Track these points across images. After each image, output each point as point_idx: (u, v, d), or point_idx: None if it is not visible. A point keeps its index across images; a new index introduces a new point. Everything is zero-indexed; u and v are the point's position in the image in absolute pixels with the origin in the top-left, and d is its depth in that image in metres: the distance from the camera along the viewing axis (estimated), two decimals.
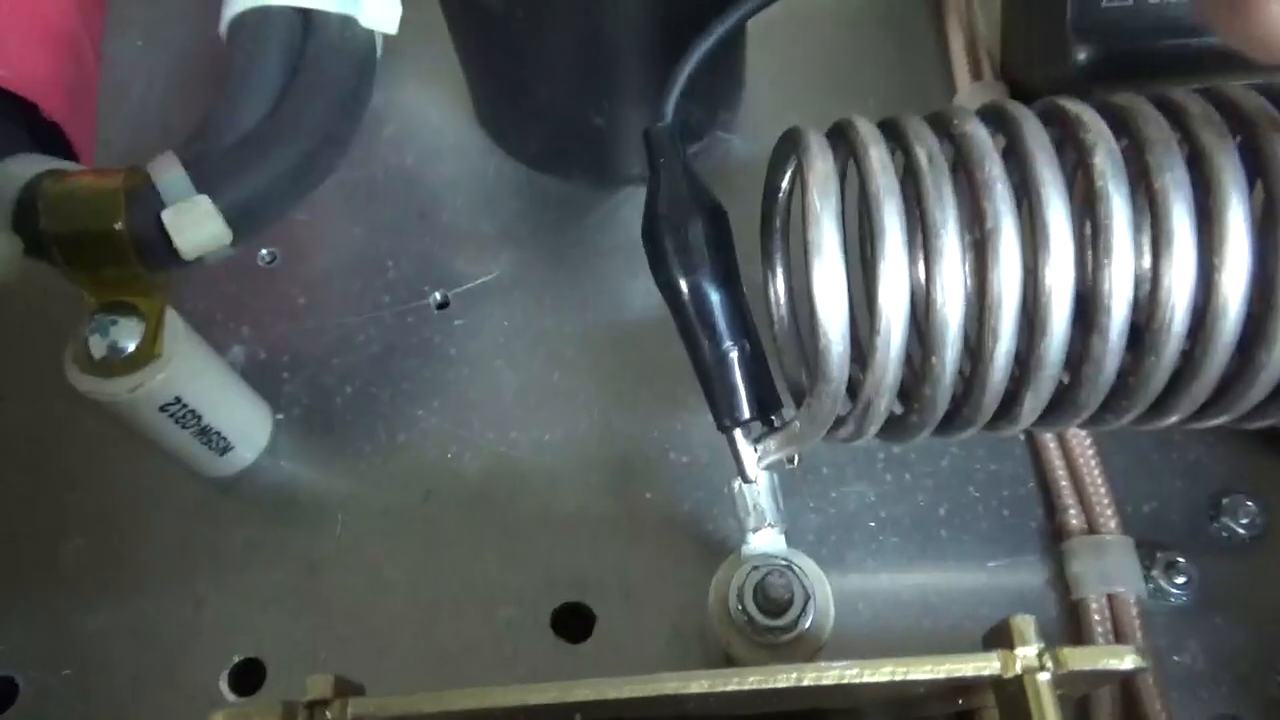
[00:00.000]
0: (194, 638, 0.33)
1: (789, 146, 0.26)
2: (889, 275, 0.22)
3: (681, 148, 0.28)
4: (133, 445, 0.34)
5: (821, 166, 0.23)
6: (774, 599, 0.25)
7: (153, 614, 0.33)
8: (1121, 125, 0.24)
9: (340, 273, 0.40)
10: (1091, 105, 0.24)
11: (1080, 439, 0.33)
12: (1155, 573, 0.32)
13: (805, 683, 0.16)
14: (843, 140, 0.25)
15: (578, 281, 0.39)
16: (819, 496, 0.34)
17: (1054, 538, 0.33)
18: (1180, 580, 0.32)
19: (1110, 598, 0.31)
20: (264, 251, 0.40)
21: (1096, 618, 0.30)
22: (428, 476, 0.35)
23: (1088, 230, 0.23)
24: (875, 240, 0.22)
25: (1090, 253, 0.23)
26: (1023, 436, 0.35)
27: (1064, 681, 0.16)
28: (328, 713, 0.16)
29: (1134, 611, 0.30)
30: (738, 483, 0.27)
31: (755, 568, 0.26)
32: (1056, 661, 0.16)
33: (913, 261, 0.23)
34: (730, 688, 0.16)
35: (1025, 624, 0.16)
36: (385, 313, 0.39)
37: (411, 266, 0.39)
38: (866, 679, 0.16)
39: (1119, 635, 0.30)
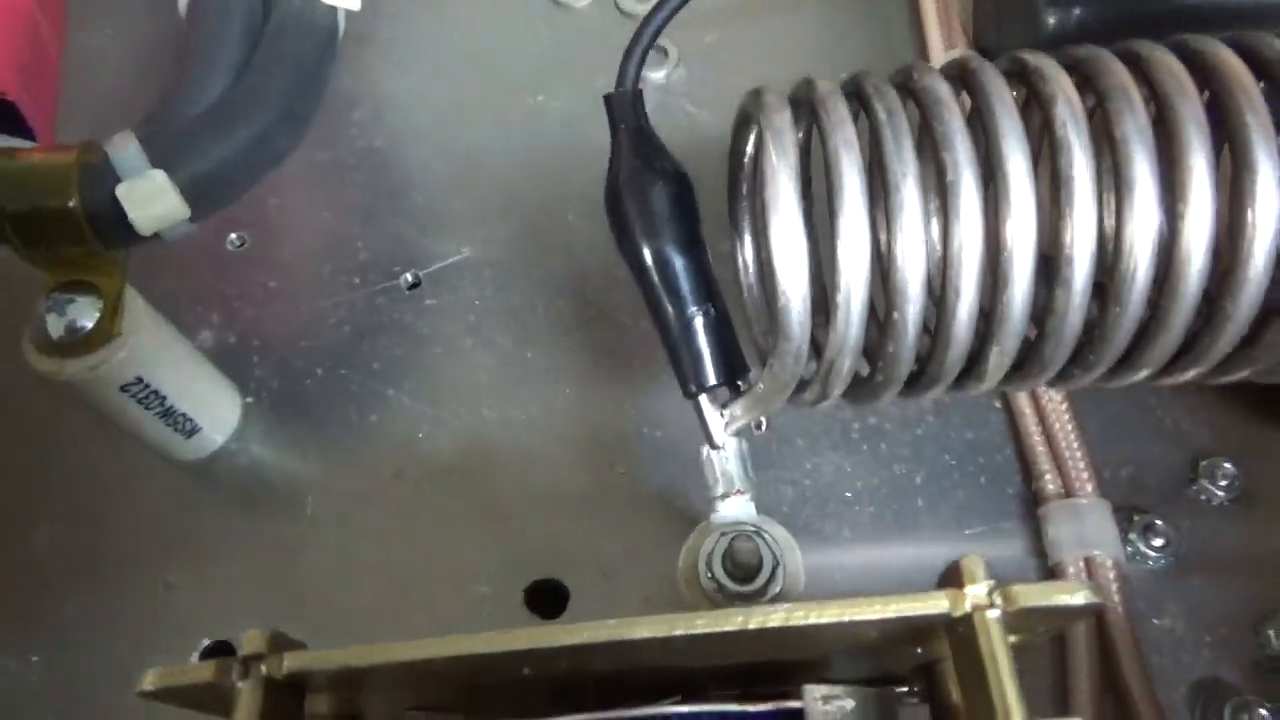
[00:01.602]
0: (165, 622, 0.33)
1: (751, 108, 0.25)
2: (848, 230, 0.22)
3: (643, 113, 0.28)
4: (102, 430, 0.34)
5: (779, 123, 0.23)
6: (742, 564, 0.25)
7: (123, 599, 0.33)
8: (1085, 77, 0.23)
9: (310, 255, 0.40)
10: (1055, 58, 0.24)
11: (1056, 403, 0.33)
12: (1133, 535, 0.31)
13: (752, 626, 0.15)
14: (805, 100, 0.25)
15: (549, 259, 0.39)
16: (793, 468, 0.34)
17: (1031, 503, 0.33)
18: (1158, 542, 0.31)
19: (1088, 561, 0.30)
20: (233, 235, 0.39)
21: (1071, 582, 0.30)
22: (400, 457, 0.35)
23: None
24: (834, 196, 0.22)
25: (1054, 206, 0.23)
26: (999, 403, 0.35)
27: (1016, 621, 0.16)
28: (263, 666, 0.16)
29: (1112, 574, 0.30)
30: (706, 449, 0.27)
31: (724, 534, 0.26)
32: (1006, 598, 0.15)
33: (874, 218, 0.23)
34: (677, 632, 0.15)
35: (974, 563, 0.16)
36: (356, 294, 0.38)
37: (382, 248, 0.39)
38: (814, 620, 0.15)
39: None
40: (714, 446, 0.27)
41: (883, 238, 0.23)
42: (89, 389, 0.29)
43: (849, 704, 0.16)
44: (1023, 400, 0.34)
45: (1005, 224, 0.22)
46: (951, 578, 0.16)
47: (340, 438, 0.36)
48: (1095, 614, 0.16)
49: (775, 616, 0.15)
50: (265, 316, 0.38)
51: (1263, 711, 0.28)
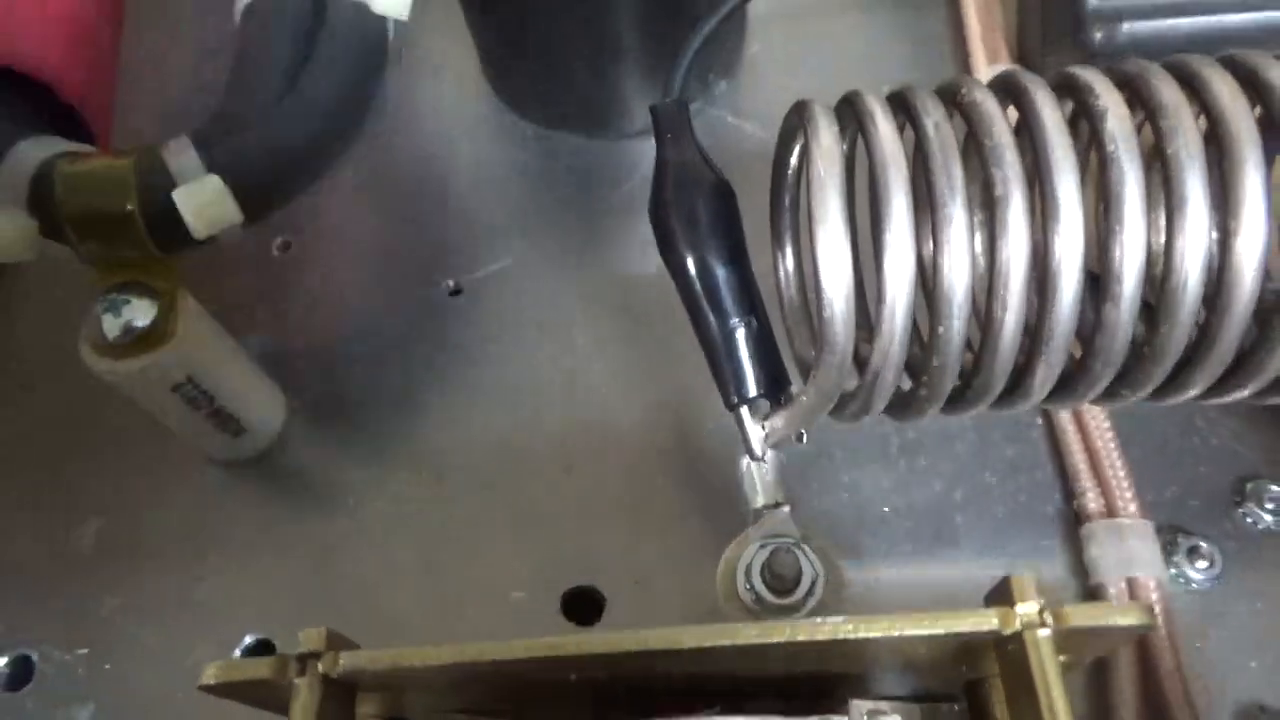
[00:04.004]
0: (207, 619, 0.33)
1: (796, 120, 0.25)
2: (894, 243, 0.22)
3: (689, 123, 0.28)
4: (148, 429, 0.35)
5: (826, 136, 0.23)
6: (781, 576, 0.25)
7: (167, 595, 0.34)
8: (1135, 92, 0.23)
9: (354, 260, 0.40)
10: (1105, 73, 0.24)
11: (1099, 421, 0.33)
12: (1177, 558, 0.31)
13: (800, 638, 0.15)
14: (850, 112, 0.25)
15: (591, 267, 0.39)
16: (832, 482, 0.34)
17: (1072, 522, 0.32)
18: (1203, 565, 0.31)
19: (1130, 582, 0.30)
20: (279, 240, 0.40)
21: (1115, 603, 0.30)
22: (439, 462, 0.35)
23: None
24: (880, 209, 0.22)
25: (1103, 222, 0.22)
26: (1040, 420, 0.34)
27: (1067, 641, 0.16)
28: (319, 664, 0.16)
29: (1154, 596, 0.30)
30: (746, 461, 0.27)
31: (763, 546, 0.26)
32: (1058, 618, 0.15)
33: (920, 232, 0.23)
34: (723, 642, 0.15)
35: (1026, 581, 0.16)
36: (398, 300, 0.39)
37: (425, 254, 0.40)
38: (862, 634, 0.15)
39: None
40: (754, 458, 0.27)
41: (927, 251, 0.23)
42: (141, 388, 0.29)
43: None
44: (1065, 417, 0.33)
45: (1054, 239, 0.22)
46: (1001, 595, 0.16)
47: (381, 441, 0.36)
48: (1146, 631, 0.15)
49: (823, 629, 0.15)
50: (309, 320, 0.39)
51: None
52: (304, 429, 0.36)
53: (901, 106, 0.24)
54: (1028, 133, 0.23)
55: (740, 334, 0.26)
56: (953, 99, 0.24)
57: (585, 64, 0.38)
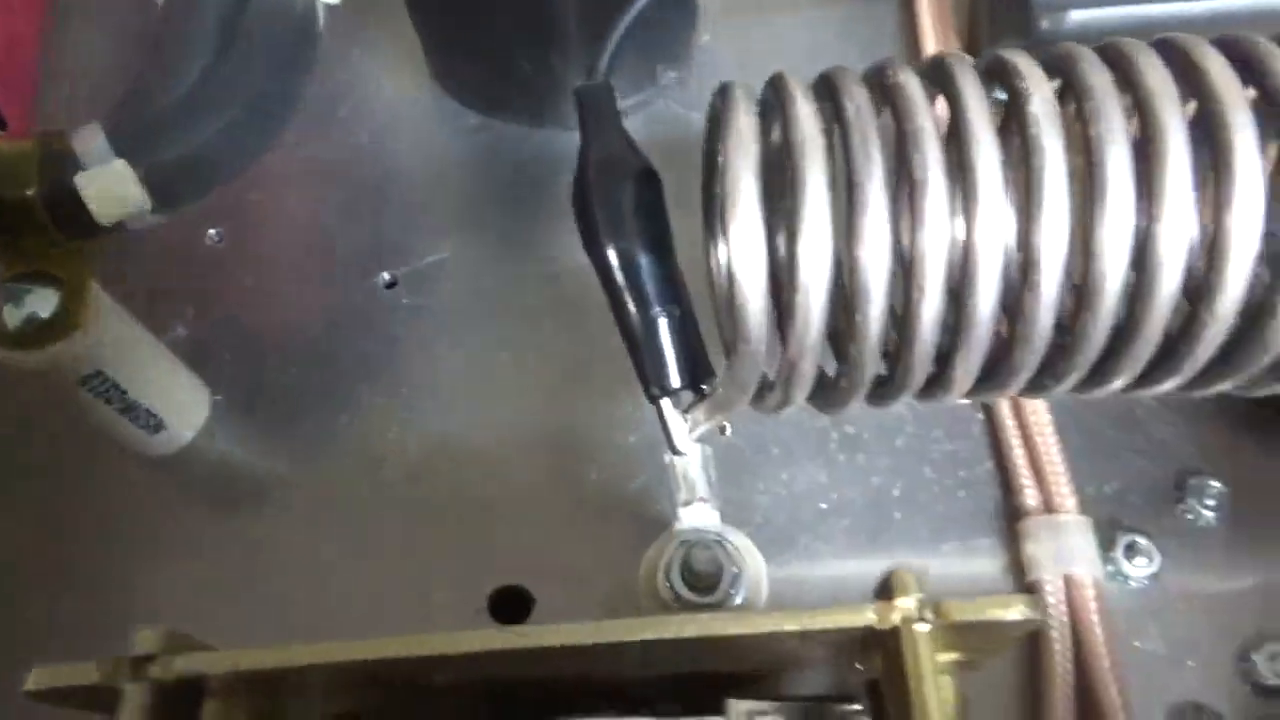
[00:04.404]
0: (128, 622, 0.32)
1: (718, 104, 0.25)
2: (808, 229, 0.21)
3: (614, 108, 0.27)
4: (66, 424, 0.34)
5: (741, 119, 0.22)
6: (700, 573, 0.24)
7: (87, 598, 0.33)
8: (1064, 76, 0.23)
9: (289, 252, 0.39)
10: (1035, 56, 0.23)
11: (1039, 416, 0.32)
12: (1115, 554, 0.30)
13: (668, 635, 0.15)
14: (774, 97, 0.24)
15: (531, 260, 0.38)
16: (769, 478, 0.33)
17: (1011, 518, 0.32)
18: (1141, 561, 0.30)
19: (1066, 579, 0.30)
20: (212, 231, 0.39)
21: (1051, 600, 0.29)
22: (369, 458, 0.34)
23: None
24: (795, 193, 0.21)
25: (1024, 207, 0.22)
26: (980, 415, 0.34)
27: (951, 637, 0.15)
28: (153, 668, 0.15)
29: (1091, 593, 0.29)
30: (669, 455, 0.26)
31: (683, 542, 0.25)
32: (938, 613, 0.15)
33: (838, 216, 0.22)
34: (585, 640, 0.15)
35: (906, 575, 0.15)
36: (332, 292, 0.38)
37: (361, 246, 0.39)
38: (732, 631, 0.15)
39: (1074, 617, 0.29)
40: (676, 452, 0.26)
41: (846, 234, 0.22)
42: (45, 381, 0.28)
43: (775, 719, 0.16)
44: (1004, 413, 0.33)
45: (973, 225, 0.21)
46: (885, 590, 0.16)
47: (310, 436, 0.35)
48: (1034, 632, 0.15)
49: (690, 627, 0.15)
50: (240, 313, 0.38)
51: None
52: (231, 424, 0.35)
53: (827, 90, 0.24)
54: (951, 115, 0.22)
55: (662, 324, 0.25)
56: (880, 83, 0.23)
57: (527, 52, 0.37)
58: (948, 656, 0.16)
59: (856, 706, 0.20)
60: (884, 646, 0.15)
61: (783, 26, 0.43)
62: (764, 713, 0.15)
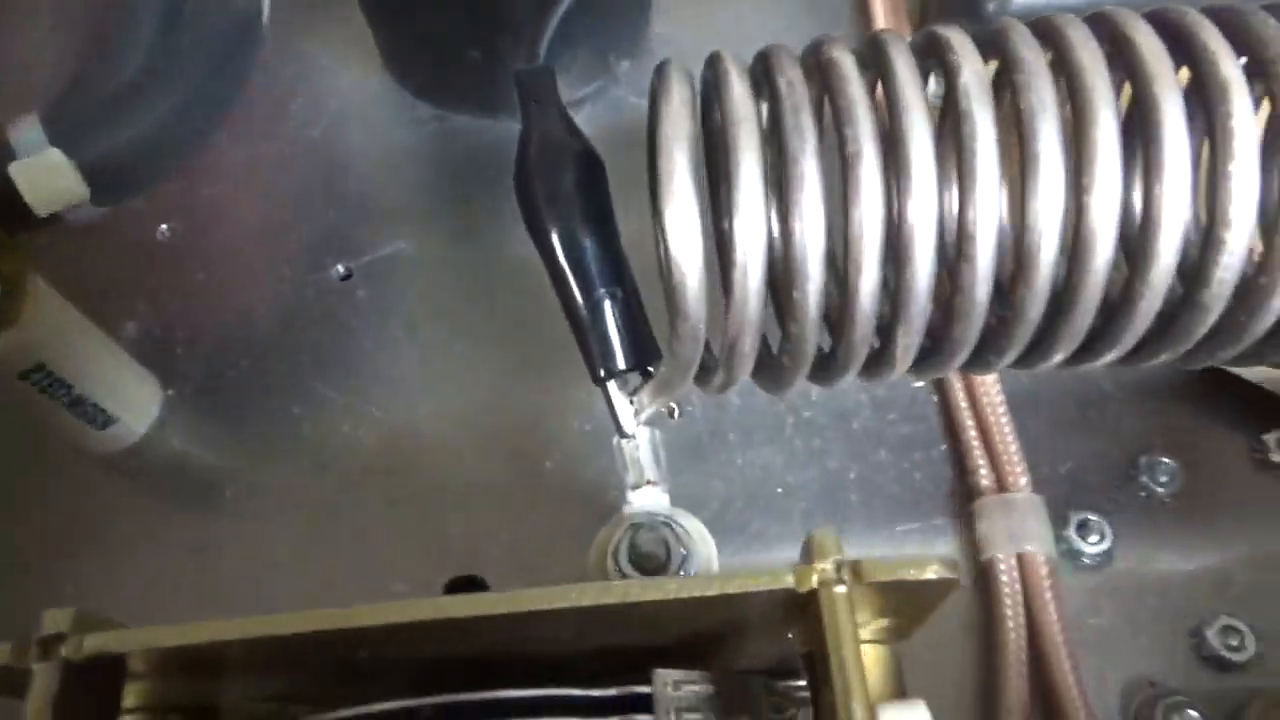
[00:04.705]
0: None
1: (656, 83, 0.25)
2: (744, 204, 0.21)
3: (555, 90, 0.27)
4: (14, 421, 0.33)
5: (676, 98, 0.22)
6: (647, 555, 0.24)
7: (35, 597, 0.32)
8: (996, 50, 0.23)
9: (242, 246, 0.39)
10: (969, 32, 0.23)
11: (992, 397, 0.32)
12: (1068, 532, 0.31)
13: (585, 603, 0.14)
14: (711, 76, 0.24)
15: (485, 251, 0.38)
16: (725, 464, 0.33)
17: (965, 499, 0.32)
18: (1093, 539, 0.30)
19: (1020, 557, 0.30)
20: (164, 226, 0.39)
21: (1004, 578, 0.29)
22: (323, 450, 0.34)
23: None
24: (729, 170, 0.21)
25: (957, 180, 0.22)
26: (935, 398, 0.34)
27: (873, 600, 0.15)
28: (62, 648, 0.15)
29: (1044, 571, 0.29)
30: (617, 438, 0.26)
31: (632, 526, 0.25)
32: (855, 574, 0.15)
33: (773, 194, 0.22)
34: (496, 610, 0.15)
35: (825, 536, 0.15)
36: (286, 286, 0.37)
37: (315, 239, 0.38)
38: (651, 597, 0.14)
39: (1028, 595, 0.29)
40: (623, 434, 0.26)
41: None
42: None
43: (703, 689, 0.15)
44: (958, 394, 0.33)
45: (906, 198, 0.21)
46: (806, 554, 0.15)
47: (263, 431, 0.35)
48: (953, 590, 0.15)
49: (607, 594, 0.15)
50: (192, 307, 0.37)
51: (1192, 713, 0.27)
52: (184, 418, 0.35)
53: (763, 69, 0.24)
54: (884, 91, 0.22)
55: (606, 306, 0.25)
56: (815, 61, 0.23)
57: (475, 40, 0.37)
58: (876, 624, 0.16)
59: (800, 683, 0.20)
60: (806, 611, 0.15)
61: (736, 14, 0.43)
62: (692, 682, 0.15)
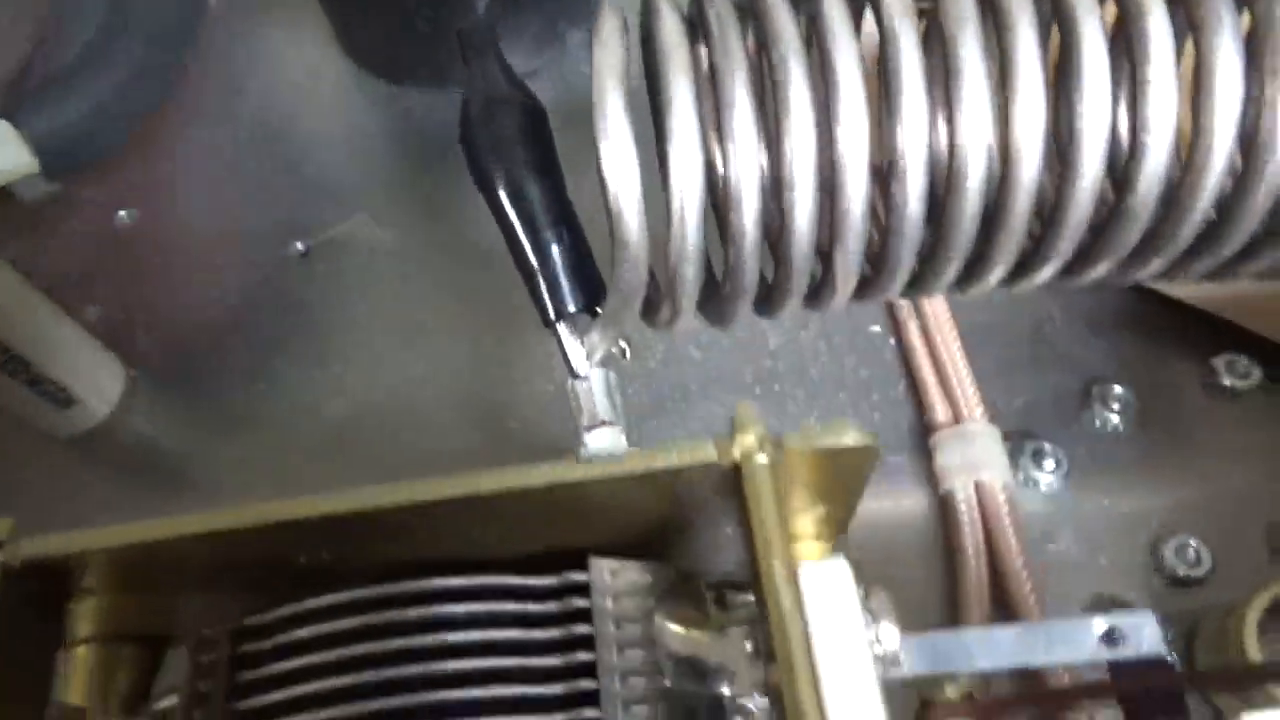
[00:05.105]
0: None
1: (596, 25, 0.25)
2: (678, 135, 0.22)
3: (495, 45, 0.27)
4: None
5: (606, 32, 0.23)
6: None
7: None
8: None
9: (201, 229, 0.39)
10: None
11: (945, 333, 0.33)
12: (1024, 461, 0.31)
13: (516, 485, 0.15)
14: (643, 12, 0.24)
15: (442, 222, 0.38)
16: (685, 414, 0.33)
17: (923, 435, 0.32)
18: (1050, 466, 0.31)
19: (977, 485, 0.30)
20: (122, 213, 0.39)
21: (963, 506, 0.30)
22: (285, 422, 0.34)
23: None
24: (661, 99, 0.22)
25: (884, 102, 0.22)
26: (891, 340, 0.34)
27: (797, 477, 0.15)
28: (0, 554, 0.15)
29: (1001, 498, 0.30)
30: (570, 380, 0.26)
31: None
32: (775, 445, 0.15)
33: (707, 122, 0.22)
34: (432, 496, 0.15)
35: (746, 410, 0.16)
36: (246, 265, 0.38)
37: (273, 218, 0.39)
38: (580, 476, 0.15)
39: (986, 520, 0.30)
40: (575, 376, 0.26)
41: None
42: None
43: (640, 579, 0.16)
44: (913, 334, 0.33)
45: (837, 121, 0.21)
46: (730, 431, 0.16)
47: (228, 408, 0.35)
48: (875, 459, 0.15)
49: (536, 475, 0.15)
50: (154, 290, 0.37)
51: None
52: (147, 400, 0.35)
53: (696, 7, 0.24)
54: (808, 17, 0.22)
55: (554, 249, 0.26)
56: None
57: (423, 10, 0.37)
58: (812, 514, 0.16)
59: (749, 596, 0.20)
60: (733, 490, 0.15)
61: None
62: (629, 570, 0.16)
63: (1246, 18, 0.21)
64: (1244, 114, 0.20)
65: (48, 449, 0.34)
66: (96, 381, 0.33)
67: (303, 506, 0.15)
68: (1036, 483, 0.31)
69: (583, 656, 0.15)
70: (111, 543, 0.15)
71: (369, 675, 0.14)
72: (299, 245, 0.38)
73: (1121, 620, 0.18)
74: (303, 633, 0.15)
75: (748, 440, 0.15)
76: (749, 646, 0.16)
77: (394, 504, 0.15)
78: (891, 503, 0.32)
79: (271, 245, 0.38)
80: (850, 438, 0.15)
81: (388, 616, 0.15)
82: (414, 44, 0.39)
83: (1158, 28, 0.21)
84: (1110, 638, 0.18)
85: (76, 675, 0.16)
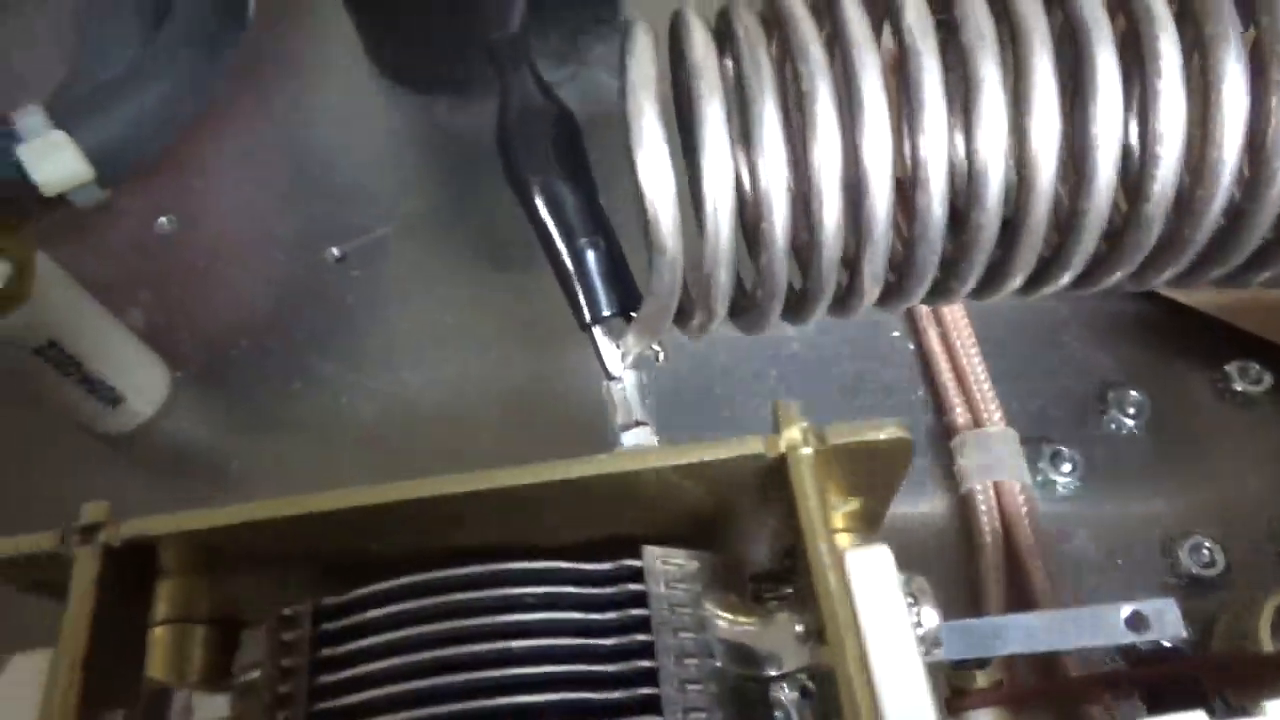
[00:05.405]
0: None
1: (623, 40, 0.26)
2: (710, 144, 0.23)
3: (529, 55, 0.29)
4: (24, 403, 0.34)
5: (639, 46, 0.24)
6: None
7: None
8: None
9: (239, 234, 0.40)
10: None
11: (964, 339, 0.34)
12: (1042, 464, 0.32)
13: (555, 478, 0.16)
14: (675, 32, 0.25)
15: (472, 226, 0.39)
16: (710, 414, 0.34)
17: (943, 438, 0.33)
18: (1066, 469, 0.32)
19: (996, 486, 0.31)
20: (162, 219, 0.40)
21: (983, 507, 0.31)
22: (321, 422, 0.35)
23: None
24: (695, 114, 0.23)
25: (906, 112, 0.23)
26: (911, 345, 0.35)
27: (837, 464, 0.16)
28: (100, 535, 0.16)
29: (1020, 499, 0.31)
30: (605, 382, 0.27)
31: None
32: (820, 439, 0.16)
33: (741, 139, 0.24)
34: (485, 485, 0.16)
35: (788, 406, 0.16)
36: (283, 270, 0.39)
37: (310, 224, 0.40)
38: (628, 467, 0.16)
39: (1005, 523, 0.30)
40: (610, 377, 0.27)
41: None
42: (2, 355, 0.29)
43: (689, 565, 0.17)
44: (933, 340, 0.34)
45: (861, 132, 0.22)
46: (774, 426, 0.17)
47: (265, 407, 0.36)
48: (910, 453, 0.16)
49: (578, 469, 0.16)
50: (193, 294, 0.39)
51: None
52: (189, 400, 0.36)
53: (724, 21, 0.25)
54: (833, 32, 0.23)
55: (590, 254, 0.27)
56: (772, 11, 0.25)
57: (447, 22, 0.38)
58: (848, 508, 0.17)
59: (788, 589, 0.21)
60: (783, 493, 0.16)
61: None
62: (679, 558, 0.16)
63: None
64: (1251, 123, 0.21)
65: (94, 446, 0.35)
66: (143, 382, 0.34)
67: (391, 491, 0.16)
68: (1053, 484, 0.32)
69: (640, 638, 0.16)
70: (204, 524, 0.16)
71: (446, 652, 0.15)
72: (334, 251, 0.39)
73: (1145, 606, 0.19)
74: (381, 612, 0.16)
75: (793, 434, 0.16)
76: (799, 628, 0.17)
77: (463, 492, 0.16)
78: (911, 503, 0.32)
79: (307, 251, 0.39)
80: (888, 431, 0.16)
81: (463, 597, 0.16)
82: (440, 55, 0.40)
83: (1167, 41, 0.22)
84: (1135, 622, 0.19)
85: (158, 653, 0.17)
